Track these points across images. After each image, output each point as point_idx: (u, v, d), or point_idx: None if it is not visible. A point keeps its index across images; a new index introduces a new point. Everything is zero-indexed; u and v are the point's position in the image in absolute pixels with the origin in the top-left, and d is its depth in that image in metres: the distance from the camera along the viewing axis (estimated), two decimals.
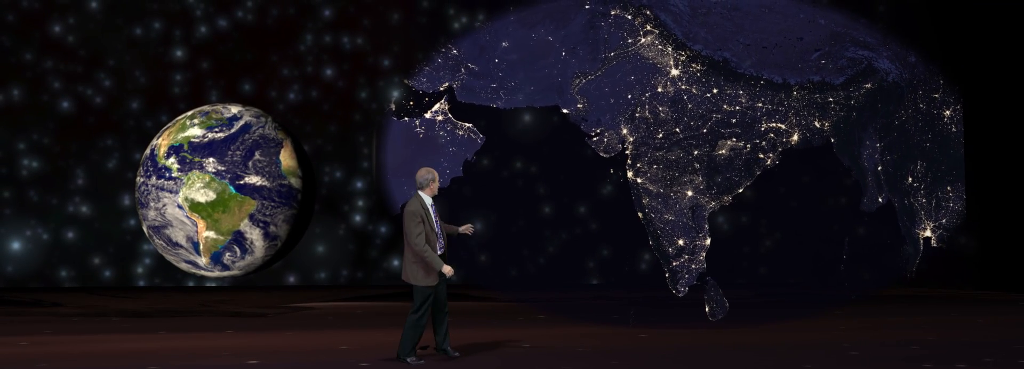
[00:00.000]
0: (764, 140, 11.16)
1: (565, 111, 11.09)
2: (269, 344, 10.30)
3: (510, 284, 20.49)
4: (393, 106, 10.68)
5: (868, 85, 11.28)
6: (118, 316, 13.33)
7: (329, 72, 20.72)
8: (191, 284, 20.18)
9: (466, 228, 9.40)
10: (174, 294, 17.64)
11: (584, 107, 11.01)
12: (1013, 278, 17.60)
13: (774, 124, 11.12)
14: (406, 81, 10.73)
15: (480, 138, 10.86)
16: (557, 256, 21.42)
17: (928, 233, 11.34)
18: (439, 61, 10.84)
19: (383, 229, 20.79)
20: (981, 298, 16.06)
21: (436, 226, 9.08)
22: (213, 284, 20.46)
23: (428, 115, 10.78)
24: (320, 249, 20.71)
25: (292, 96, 20.68)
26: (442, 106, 10.66)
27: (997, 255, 18.09)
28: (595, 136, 11.10)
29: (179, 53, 20.24)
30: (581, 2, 10.91)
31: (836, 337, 10.77)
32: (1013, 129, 17.77)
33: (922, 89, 11.36)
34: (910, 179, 11.31)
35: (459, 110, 11.38)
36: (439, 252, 9.14)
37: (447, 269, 8.89)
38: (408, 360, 9.00)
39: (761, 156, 11.14)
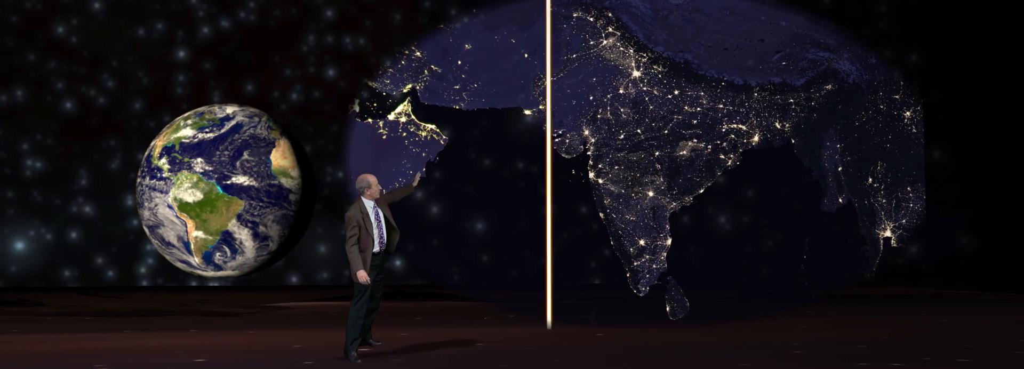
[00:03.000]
0: (725, 141, 11.58)
1: (527, 113, 11.57)
2: (225, 343, 10.88)
3: (510, 284, 20.88)
4: (356, 108, 11.21)
5: (829, 87, 11.66)
6: (92, 316, 13.96)
7: (331, 73, 21.32)
8: (193, 284, 20.79)
9: (414, 180, 10.10)
10: (162, 294, 18.29)
11: (545, 108, 11.49)
12: (1013, 278, 17.85)
13: (735, 125, 11.54)
14: (370, 83, 11.26)
15: (443, 139, 11.36)
16: (559, 256, 21.80)
17: (888, 233, 11.71)
18: (402, 63, 11.37)
19: None
20: (967, 298, 16.36)
21: (375, 229, 9.65)
22: (215, 284, 21.08)
23: (391, 117, 11.30)
24: (322, 249, 21.27)
25: (294, 96, 21.27)
26: (405, 108, 11.19)
27: (998, 256, 18.34)
28: (557, 137, 11.57)
29: (181, 54, 20.90)
30: (543, 4, 11.39)
31: (791, 336, 11.17)
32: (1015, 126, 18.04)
33: (882, 91, 11.73)
34: (870, 180, 11.68)
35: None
36: (377, 250, 9.70)
37: (361, 276, 9.52)
38: (351, 354, 9.57)
39: (722, 157, 11.56)
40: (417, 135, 11.36)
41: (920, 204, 11.46)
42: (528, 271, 21.60)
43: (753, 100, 11.53)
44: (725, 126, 11.51)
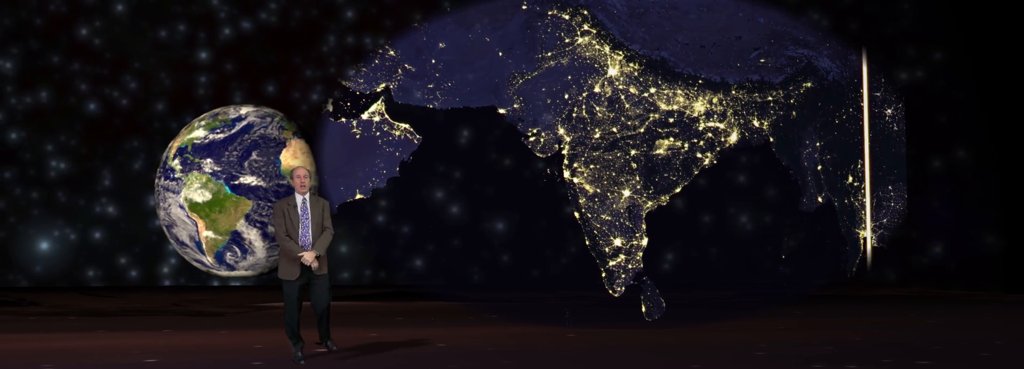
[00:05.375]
0: (702, 140, 11.57)
1: (502, 111, 11.66)
2: (188, 343, 11.08)
3: (530, 284, 20.90)
4: (329, 107, 11.37)
5: (808, 84, 11.59)
6: (76, 316, 14.29)
7: (352, 73, 21.54)
8: (215, 284, 21.14)
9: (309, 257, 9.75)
10: (166, 295, 18.63)
11: (521, 107, 11.58)
12: None
13: (712, 124, 11.53)
14: (343, 82, 11.42)
15: (417, 139, 11.50)
16: (580, 257, 21.81)
17: (868, 233, 11.59)
18: (376, 62, 11.52)
19: (405, 229, 21.42)
20: (977, 299, 16.11)
21: (300, 222, 9.59)
22: (236, 284, 21.41)
23: (365, 116, 11.46)
24: (343, 249, 21.51)
25: (315, 97, 21.52)
26: (378, 107, 11.34)
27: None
28: (532, 136, 11.65)
29: (203, 55, 21.26)
30: (518, 2, 11.48)
31: (761, 337, 11.14)
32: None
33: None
34: (850, 178, 11.58)
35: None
36: (302, 244, 9.66)
37: (306, 256, 9.44)
38: (295, 353, 9.66)
39: (699, 156, 11.55)
40: (391, 134, 11.50)
41: (901, 203, 11.34)
42: (549, 271, 21.59)
43: (731, 98, 11.49)
44: (702, 124, 11.50)
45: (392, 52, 11.54)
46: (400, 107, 11.77)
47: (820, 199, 11.65)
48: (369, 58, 11.64)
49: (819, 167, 11.58)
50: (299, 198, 9.69)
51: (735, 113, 11.57)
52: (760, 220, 21.13)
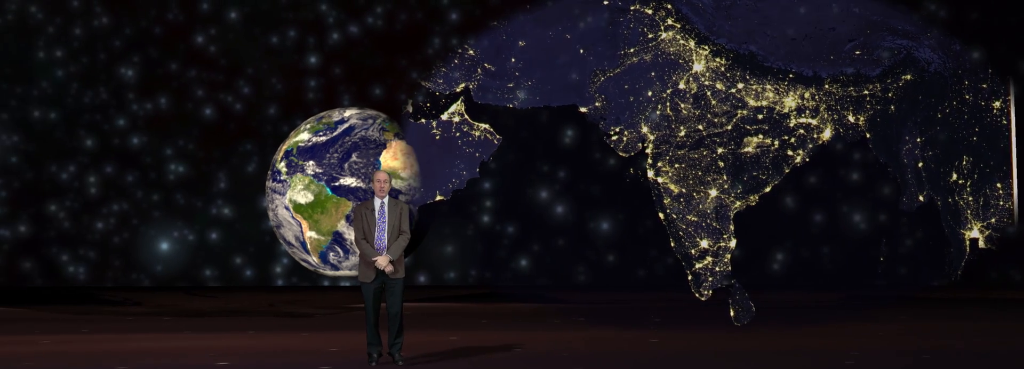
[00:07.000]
0: (793, 137, 10.62)
1: (583, 110, 10.91)
2: (265, 345, 10.68)
3: (635, 285, 20.27)
4: (409, 108, 10.80)
5: (907, 76, 10.53)
6: (172, 316, 14.03)
7: (457, 74, 21.06)
8: (326, 284, 20.95)
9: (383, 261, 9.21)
10: (267, 294, 18.41)
11: (603, 106, 10.82)
12: None
13: (804, 120, 10.57)
14: (422, 82, 10.83)
15: (497, 139, 10.83)
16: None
17: (975, 233, 10.48)
18: (456, 62, 10.89)
19: (510, 229, 20.93)
20: None
21: (377, 225, 9.18)
22: (346, 284, 21.17)
23: (444, 117, 10.84)
24: (449, 249, 21.08)
25: (421, 99, 21.12)
26: (458, 107, 10.72)
27: None
28: (614, 135, 10.87)
29: (313, 60, 21.07)
30: None
31: (853, 344, 10.13)
32: None
33: (968, 79, 10.50)
34: (955, 176, 10.49)
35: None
36: (377, 248, 9.23)
37: (380, 260, 9.02)
38: (371, 354, 9.24)
39: (790, 153, 10.61)
40: (471, 135, 10.86)
41: (1010, 202, 10.21)
42: (655, 271, 20.90)
43: (824, 92, 10.52)
44: (793, 121, 10.55)
45: (471, 51, 10.89)
46: (486, 107, 11.11)
47: (921, 198, 10.58)
48: (448, 58, 11.01)
49: (920, 164, 10.51)
50: (377, 201, 9.29)
51: (829, 108, 10.58)
52: (875, 219, 20.00)
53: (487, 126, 10.93)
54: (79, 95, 20.73)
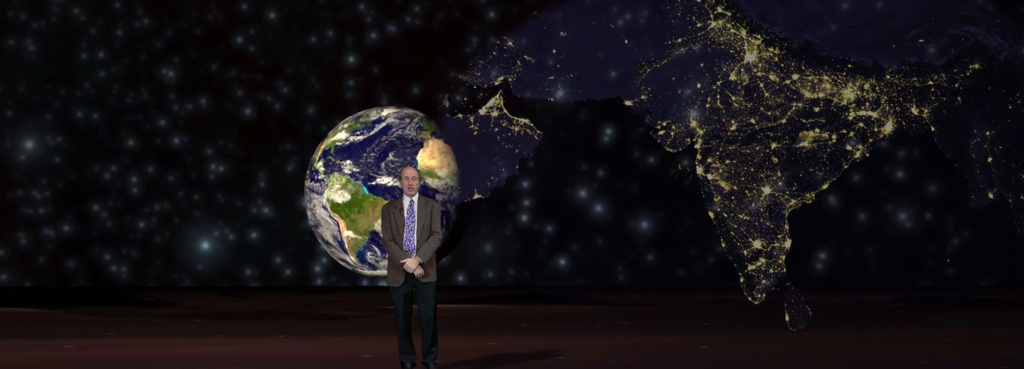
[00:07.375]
0: (852, 130, 9.72)
1: (628, 103, 10.06)
2: (295, 350, 9.99)
3: (674, 285, 19.58)
4: (446, 103, 10.00)
5: (975, 65, 9.60)
6: (203, 318, 13.38)
7: (494, 73, 20.36)
8: (365, 283, 20.39)
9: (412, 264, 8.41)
10: (304, 294, 17.77)
11: (649, 99, 9.95)
12: None
13: (864, 112, 9.66)
14: (460, 76, 10.03)
15: (537, 134, 10.00)
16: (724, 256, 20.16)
17: None
18: (494, 54, 10.07)
19: (549, 228, 20.30)
20: None
21: (405, 225, 8.37)
22: (385, 284, 20.54)
23: (482, 111, 10.03)
24: (487, 248, 20.44)
25: (459, 98, 20.45)
26: (496, 101, 9.90)
27: None
28: (661, 130, 10.01)
29: (351, 59, 20.55)
30: None
31: (923, 352, 9.23)
32: None
33: None
34: None
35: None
36: (406, 249, 8.42)
37: (409, 263, 8.22)
38: (404, 363, 8.47)
39: (849, 149, 9.70)
40: (510, 130, 10.04)
41: None
42: (695, 271, 20.16)
43: (885, 83, 9.60)
44: (852, 113, 9.64)
45: (510, 42, 10.07)
46: (524, 107, 10.29)
47: (991, 195, 9.65)
48: (486, 50, 10.18)
49: (989, 159, 9.58)
50: (406, 200, 8.53)
51: (890, 100, 9.70)
52: (920, 218, 19.13)
53: (527, 120, 10.13)
54: (121, 96, 20.37)
